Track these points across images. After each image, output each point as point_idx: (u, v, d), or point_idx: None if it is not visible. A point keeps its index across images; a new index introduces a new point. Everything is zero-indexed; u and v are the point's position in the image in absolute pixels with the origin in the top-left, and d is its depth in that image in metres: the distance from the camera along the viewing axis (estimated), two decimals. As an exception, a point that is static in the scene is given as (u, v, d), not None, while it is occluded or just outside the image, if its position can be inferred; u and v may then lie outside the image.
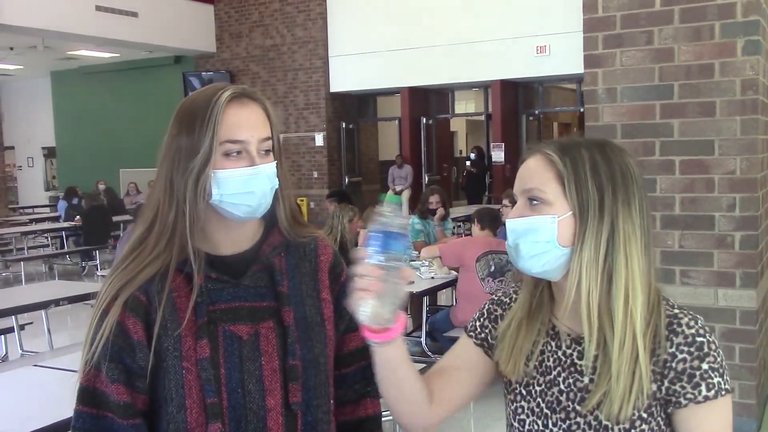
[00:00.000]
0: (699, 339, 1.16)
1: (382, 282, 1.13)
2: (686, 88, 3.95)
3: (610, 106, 4.13)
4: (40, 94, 19.05)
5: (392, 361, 1.23)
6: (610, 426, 1.16)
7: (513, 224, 1.21)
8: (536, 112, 13.64)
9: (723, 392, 1.15)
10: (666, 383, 1.16)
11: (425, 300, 5.51)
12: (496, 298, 1.39)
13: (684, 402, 1.15)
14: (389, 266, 1.14)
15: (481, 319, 1.37)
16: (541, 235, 1.18)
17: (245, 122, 1.29)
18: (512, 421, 1.30)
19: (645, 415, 1.16)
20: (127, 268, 1.30)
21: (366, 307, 1.14)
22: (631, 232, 1.18)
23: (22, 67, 17.22)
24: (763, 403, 4.23)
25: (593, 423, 1.18)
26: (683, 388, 1.15)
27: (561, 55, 11.27)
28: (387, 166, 14.43)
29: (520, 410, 1.28)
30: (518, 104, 13.20)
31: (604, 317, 1.17)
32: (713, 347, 1.16)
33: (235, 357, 1.28)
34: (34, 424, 2.56)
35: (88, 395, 1.27)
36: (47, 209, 17.03)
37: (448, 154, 15.82)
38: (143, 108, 16.07)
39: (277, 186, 1.33)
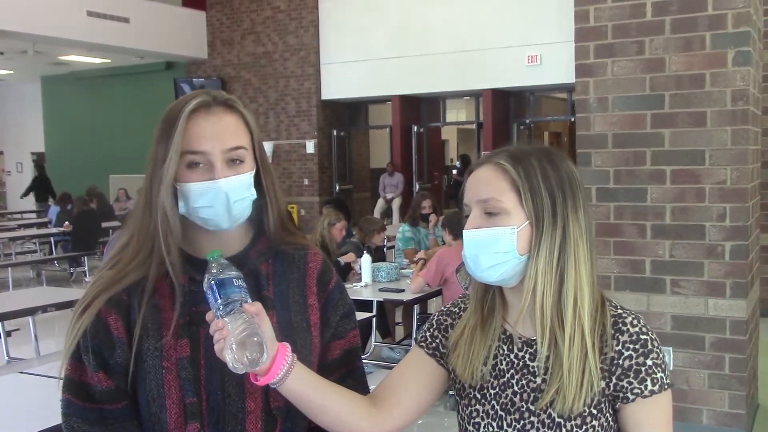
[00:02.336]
0: (643, 337, 1.22)
1: (232, 328, 1.17)
2: (677, 98, 3.96)
3: (601, 115, 4.14)
4: (30, 99, 18.97)
5: (301, 395, 1.25)
6: (562, 423, 1.21)
7: (472, 235, 1.23)
8: (527, 121, 13.67)
9: (666, 387, 1.23)
10: (614, 380, 1.22)
11: (415, 309, 5.50)
12: (445, 308, 1.42)
13: (632, 397, 1.21)
14: (232, 309, 1.18)
15: (431, 330, 1.39)
16: (501, 245, 1.21)
17: (208, 132, 1.26)
18: (466, 425, 1.32)
19: (595, 412, 1.22)
20: (109, 273, 1.32)
21: (232, 360, 1.17)
22: (579, 236, 1.24)
23: (12, 71, 17.15)
24: (752, 413, 4.23)
25: (546, 421, 1.22)
26: (630, 383, 1.21)
27: (552, 64, 11.32)
28: (378, 174, 14.43)
29: (474, 414, 1.30)
30: (509, 113, 13.23)
31: (555, 318, 1.22)
32: (655, 344, 1.23)
33: (216, 359, 1.27)
34: (19, 431, 2.53)
35: (75, 387, 1.29)
36: (35, 214, 16.92)
37: (439, 162, 15.84)
38: (134, 114, 16.01)
39: (252, 196, 1.32)
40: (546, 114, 15.24)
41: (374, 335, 5.78)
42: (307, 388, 1.26)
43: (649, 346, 1.22)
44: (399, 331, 6.32)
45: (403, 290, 5.39)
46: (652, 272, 4.07)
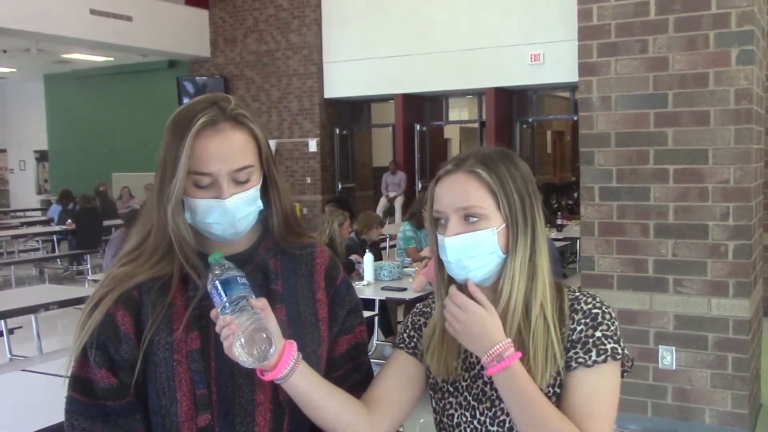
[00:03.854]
0: (594, 311, 1.29)
1: (239, 323, 1.18)
2: (680, 97, 3.95)
3: (604, 114, 4.14)
4: (33, 98, 18.99)
5: (304, 392, 1.28)
6: None
7: (456, 241, 1.28)
8: (530, 120, 13.66)
9: (612, 358, 1.25)
10: (568, 354, 1.28)
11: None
12: (417, 309, 1.48)
13: (574, 365, 1.25)
14: (238, 306, 1.20)
15: (408, 330, 1.45)
16: (485, 247, 1.27)
17: (214, 154, 1.26)
18: (441, 417, 1.38)
19: (559, 391, 1.27)
20: (121, 270, 1.32)
21: (241, 354, 1.19)
22: (540, 231, 1.31)
23: (15, 70, 17.16)
24: (755, 413, 4.22)
25: None
26: (576, 354, 1.26)
27: (555, 63, 11.30)
28: (380, 173, 14.42)
29: (448, 406, 1.36)
30: (512, 112, 13.22)
31: (522, 312, 1.28)
32: (607, 317, 1.28)
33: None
34: (22, 429, 2.53)
35: (80, 384, 1.30)
36: (39, 213, 16.95)
37: (441, 161, 15.51)
38: (137, 112, 16.04)
39: (257, 209, 1.33)
40: (549, 113, 15.23)
41: (376, 334, 5.77)
42: (310, 385, 1.28)
43: (599, 319, 1.27)
44: (401, 330, 6.31)
45: (405, 289, 5.38)
46: (655, 271, 4.06)
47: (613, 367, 1.26)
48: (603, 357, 1.25)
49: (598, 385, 1.25)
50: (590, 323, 1.27)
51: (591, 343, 1.25)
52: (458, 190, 1.29)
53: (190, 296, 1.30)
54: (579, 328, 1.27)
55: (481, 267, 1.28)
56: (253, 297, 1.23)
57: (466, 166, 1.30)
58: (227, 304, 1.20)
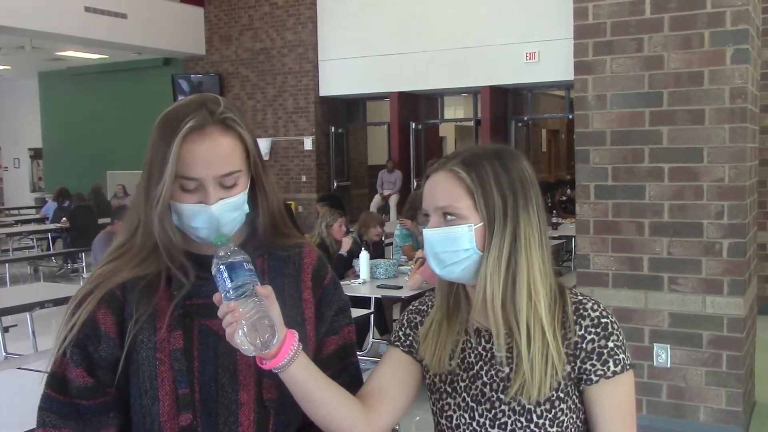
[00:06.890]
0: (603, 320, 1.28)
1: (243, 311, 1.17)
2: (675, 96, 3.96)
3: (599, 112, 4.15)
4: (27, 95, 18.92)
5: (302, 383, 1.28)
6: (532, 409, 1.27)
7: (432, 234, 1.30)
8: (525, 118, 13.67)
9: (628, 367, 1.28)
10: (578, 363, 1.27)
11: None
12: (413, 307, 1.48)
13: (595, 379, 1.27)
14: (243, 292, 1.19)
15: (403, 328, 1.44)
16: (460, 243, 1.27)
17: (201, 159, 1.25)
18: (439, 418, 1.37)
19: (562, 395, 1.27)
20: (106, 267, 1.32)
21: (243, 342, 1.18)
22: (530, 234, 1.28)
23: (9, 67, 17.10)
24: (749, 411, 4.24)
25: (517, 408, 1.28)
26: (593, 366, 1.27)
27: (550, 61, 11.31)
28: (376, 171, 14.42)
29: (447, 407, 1.35)
30: (507, 110, 13.23)
31: (510, 314, 1.27)
32: (615, 327, 1.29)
33: (209, 351, 1.29)
34: (16, 428, 2.52)
35: (56, 381, 1.30)
36: (33, 211, 16.90)
37: (437, 159, 15.81)
38: (131, 110, 15.98)
39: (244, 212, 1.32)
40: (544, 111, 15.27)
41: (372, 332, 5.78)
42: (308, 377, 1.28)
43: (610, 329, 1.28)
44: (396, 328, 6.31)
45: (401, 287, 5.39)
46: (650, 269, 4.07)
47: (629, 376, 1.29)
48: (620, 366, 1.27)
49: (621, 396, 1.28)
50: (602, 333, 1.27)
51: (606, 354, 1.27)
52: (438, 189, 1.30)
53: (173, 295, 1.29)
54: (589, 338, 1.27)
55: (457, 263, 1.28)
56: (259, 284, 1.22)
57: (449, 165, 1.31)
58: (231, 290, 1.19)
